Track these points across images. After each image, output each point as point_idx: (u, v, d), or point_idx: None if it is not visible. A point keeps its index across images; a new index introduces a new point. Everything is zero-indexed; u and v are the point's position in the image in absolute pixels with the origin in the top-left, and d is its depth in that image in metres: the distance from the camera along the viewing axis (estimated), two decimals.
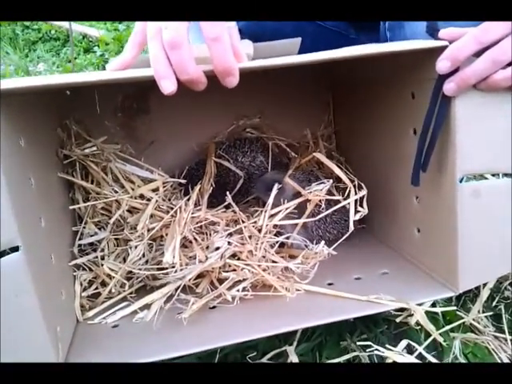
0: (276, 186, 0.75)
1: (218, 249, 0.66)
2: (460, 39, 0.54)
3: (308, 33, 0.85)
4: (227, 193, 0.74)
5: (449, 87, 0.56)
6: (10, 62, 2.33)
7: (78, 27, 2.52)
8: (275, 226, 0.73)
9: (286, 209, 0.72)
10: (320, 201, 0.74)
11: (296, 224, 0.74)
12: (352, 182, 0.75)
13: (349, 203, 0.74)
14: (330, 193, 0.75)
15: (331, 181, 0.75)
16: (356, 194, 0.74)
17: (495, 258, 0.63)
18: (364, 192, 0.74)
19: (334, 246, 0.73)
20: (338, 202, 0.75)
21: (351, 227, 0.73)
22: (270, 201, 0.73)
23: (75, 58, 2.38)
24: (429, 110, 0.59)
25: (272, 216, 0.72)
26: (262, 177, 0.85)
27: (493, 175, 0.61)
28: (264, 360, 0.64)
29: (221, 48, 0.50)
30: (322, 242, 0.69)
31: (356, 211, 0.74)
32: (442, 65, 0.55)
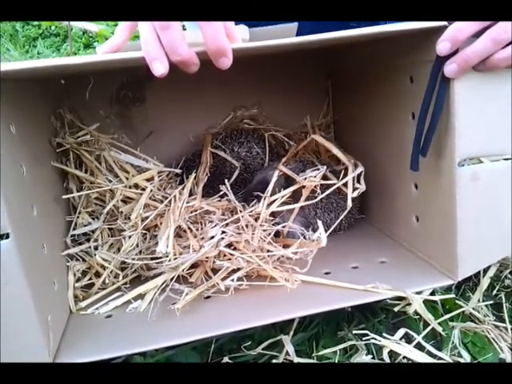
0: (276, 173, 0.74)
1: (212, 238, 0.65)
2: (457, 22, 0.52)
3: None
4: (225, 181, 0.74)
5: (450, 68, 0.54)
6: (11, 58, 2.32)
7: (78, 23, 2.51)
8: (272, 215, 0.72)
9: (282, 197, 0.71)
10: (315, 187, 0.72)
11: (292, 212, 0.73)
12: (349, 161, 0.74)
13: (346, 182, 0.73)
14: (325, 178, 0.74)
15: (325, 167, 0.73)
16: (354, 172, 0.73)
17: (493, 243, 0.62)
18: (361, 169, 0.73)
19: (329, 230, 0.72)
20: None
21: (349, 204, 0.72)
22: (270, 187, 0.72)
23: (75, 54, 2.37)
24: (427, 93, 0.58)
25: (268, 205, 0.71)
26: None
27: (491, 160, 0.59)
28: (259, 349, 0.63)
29: (212, 28, 0.49)
30: (318, 230, 0.67)
31: (354, 188, 0.73)
32: (442, 46, 0.54)
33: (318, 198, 0.73)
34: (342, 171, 0.75)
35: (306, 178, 0.72)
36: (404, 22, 0.58)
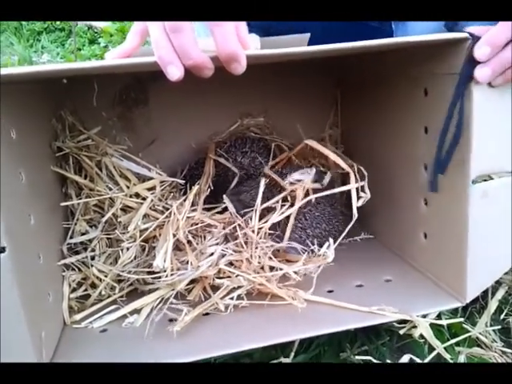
0: (263, 181, 0.72)
1: (211, 254, 0.63)
2: (494, 27, 0.51)
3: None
4: (224, 196, 0.71)
5: (482, 72, 0.52)
6: (14, 52, 2.30)
7: None
8: (272, 227, 0.69)
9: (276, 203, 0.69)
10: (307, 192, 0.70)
11: (287, 224, 0.70)
12: (351, 167, 0.70)
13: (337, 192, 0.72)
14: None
15: (314, 169, 0.70)
16: (357, 179, 0.69)
17: (499, 261, 0.61)
18: (363, 182, 0.69)
19: (335, 244, 0.68)
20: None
21: (355, 214, 0.67)
22: (259, 198, 0.70)
23: (79, 50, 2.35)
24: (451, 106, 0.56)
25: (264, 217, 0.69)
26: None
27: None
28: None
29: (223, 32, 0.47)
30: (325, 245, 0.65)
31: (358, 197, 0.69)
32: (483, 51, 0.52)
33: (295, 208, 0.69)
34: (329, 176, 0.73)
35: (293, 183, 0.70)
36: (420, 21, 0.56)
